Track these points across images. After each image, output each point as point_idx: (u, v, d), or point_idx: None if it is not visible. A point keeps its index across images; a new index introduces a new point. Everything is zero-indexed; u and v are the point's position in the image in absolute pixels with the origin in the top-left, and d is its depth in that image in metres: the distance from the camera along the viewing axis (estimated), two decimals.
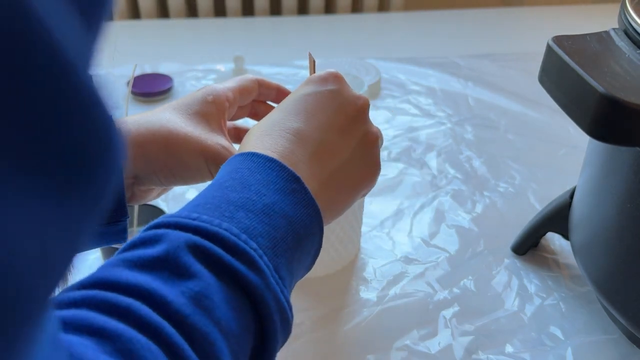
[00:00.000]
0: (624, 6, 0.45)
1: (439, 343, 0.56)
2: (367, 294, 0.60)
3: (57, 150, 0.16)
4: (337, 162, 0.40)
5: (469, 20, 1.25)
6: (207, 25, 1.24)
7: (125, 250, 0.30)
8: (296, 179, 0.36)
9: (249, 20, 1.26)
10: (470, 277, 0.62)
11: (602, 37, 0.45)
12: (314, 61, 0.47)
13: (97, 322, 0.25)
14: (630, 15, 0.44)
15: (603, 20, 0.63)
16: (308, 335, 0.56)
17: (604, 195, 0.50)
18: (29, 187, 0.15)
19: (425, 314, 0.58)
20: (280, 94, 0.53)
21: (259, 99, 0.53)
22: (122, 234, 0.45)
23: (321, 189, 0.39)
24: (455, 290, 0.61)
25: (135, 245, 0.30)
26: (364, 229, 0.67)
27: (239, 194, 0.34)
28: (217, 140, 0.45)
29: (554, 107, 0.46)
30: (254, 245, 0.31)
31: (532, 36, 1.17)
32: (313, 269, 0.38)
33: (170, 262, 0.29)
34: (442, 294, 0.60)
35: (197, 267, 0.29)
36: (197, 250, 0.30)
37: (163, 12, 1.46)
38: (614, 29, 0.46)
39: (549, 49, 0.44)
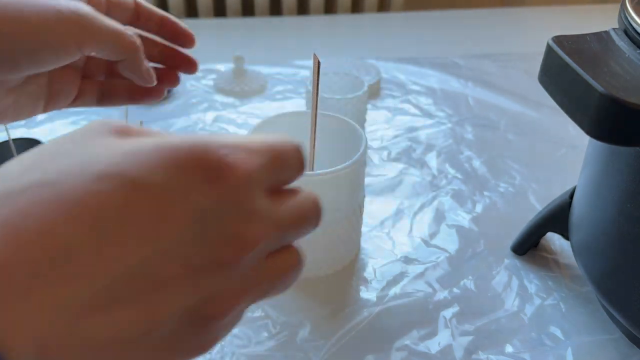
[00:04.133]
0: (624, 6, 0.45)
1: (439, 343, 0.56)
2: (367, 294, 0.60)
3: None
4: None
5: (469, 20, 1.25)
6: (207, 25, 1.24)
7: None
8: None
9: (248, 20, 1.26)
10: (470, 277, 0.62)
11: (602, 37, 0.45)
12: (319, 62, 0.42)
13: None
14: (630, 15, 0.44)
15: (603, 20, 0.63)
16: (307, 335, 0.56)
17: (604, 195, 0.50)
18: None
19: (425, 314, 0.58)
20: (165, 27, 0.43)
21: (138, 25, 0.44)
22: None
23: None
24: (455, 290, 0.61)
25: None
26: (364, 229, 0.67)
27: None
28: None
29: (554, 107, 0.46)
30: None
31: (532, 36, 1.17)
32: (313, 269, 0.37)
33: None
34: (442, 294, 0.60)
35: None
36: None
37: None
38: (614, 29, 0.46)
39: (549, 49, 0.44)
